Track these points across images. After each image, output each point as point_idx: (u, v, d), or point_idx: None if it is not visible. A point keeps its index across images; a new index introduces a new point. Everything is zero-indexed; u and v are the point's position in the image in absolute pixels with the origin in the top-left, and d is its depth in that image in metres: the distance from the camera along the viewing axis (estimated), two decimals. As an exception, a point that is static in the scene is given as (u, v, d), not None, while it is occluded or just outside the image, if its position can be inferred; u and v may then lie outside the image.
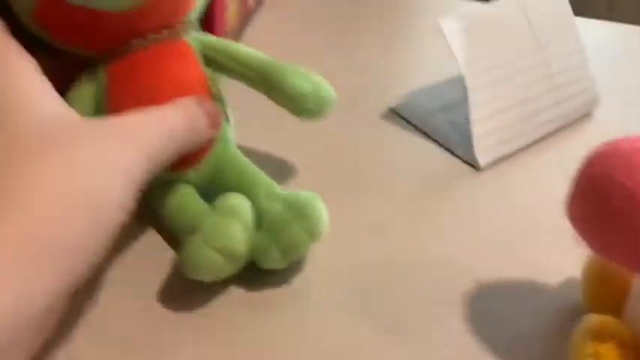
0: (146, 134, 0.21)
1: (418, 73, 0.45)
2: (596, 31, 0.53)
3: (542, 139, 0.39)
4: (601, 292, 0.25)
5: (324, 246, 0.28)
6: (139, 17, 0.25)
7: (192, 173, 0.28)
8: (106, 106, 0.26)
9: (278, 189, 0.28)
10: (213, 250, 0.23)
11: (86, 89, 0.25)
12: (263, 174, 0.28)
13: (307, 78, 0.29)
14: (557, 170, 0.29)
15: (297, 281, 0.27)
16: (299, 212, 0.25)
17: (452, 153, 0.37)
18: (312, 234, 0.26)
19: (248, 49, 0.30)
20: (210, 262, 0.23)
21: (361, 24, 0.52)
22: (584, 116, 0.42)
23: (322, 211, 0.26)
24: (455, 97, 0.40)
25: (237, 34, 0.46)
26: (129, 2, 0.23)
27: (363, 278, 0.28)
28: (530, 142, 0.38)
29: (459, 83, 0.36)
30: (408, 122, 0.40)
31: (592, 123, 0.41)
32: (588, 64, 0.41)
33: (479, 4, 0.40)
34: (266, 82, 0.29)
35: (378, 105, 0.41)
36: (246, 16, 0.48)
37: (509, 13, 0.38)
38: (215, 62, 0.29)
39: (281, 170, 0.34)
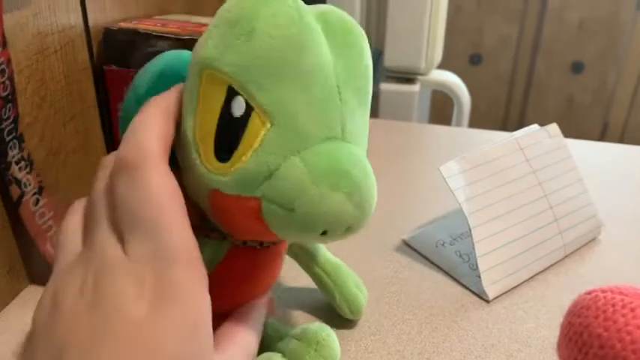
0: (250, 346, 0.26)
1: (428, 205, 0.49)
2: (590, 152, 0.57)
3: (550, 267, 0.41)
4: None
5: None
6: None
7: None
8: (209, 277, 0.27)
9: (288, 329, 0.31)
10: None
11: (202, 253, 0.26)
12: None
13: (360, 287, 0.36)
14: (566, 299, 0.31)
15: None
16: (314, 341, 0.29)
17: (461, 284, 0.40)
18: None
19: (325, 250, 0.35)
20: None
21: (376, 158, 0.56)
22: (589, 241, 0.44)
23: (334, 337, 0.30)
24: (463, 228, 0.44)
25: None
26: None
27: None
28: (539, 271, 0.41)
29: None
30: (419, 254, 0.43)
31: (597, 248, 0.44)
32: (589, 193, 0.44)
33: (482, 146, 0.44)
34: (332, 285, 0.35)
35: (392, 237, 0.44)
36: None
37: (507, 153, 0.42)
38: (296, 255, 0.35)
39: (293, 306, 0.37)
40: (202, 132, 0.23)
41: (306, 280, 0.36)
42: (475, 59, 1.38)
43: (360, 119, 0.24)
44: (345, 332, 0.35)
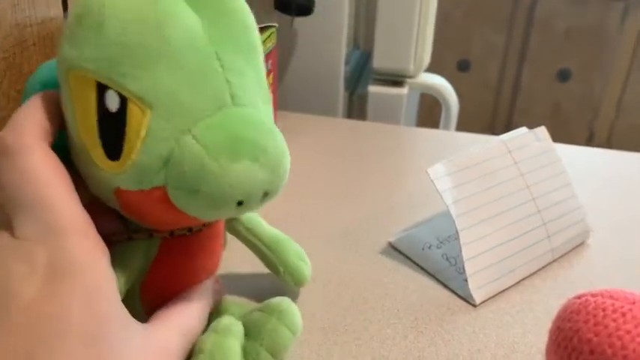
0: (187, 326, 0.26)
1: (415, 208, 0.48)
2: (577, 156, 0.56)
3: (538, 271, 0.41)
4: None
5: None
6: None
7: None
8: (147, 274, 0.27)
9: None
10: None
11: (134, 256, 0.26)
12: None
13: (303, 258, 0.36)
14: (554, 304, 0.31)
15: None
16: (276, 311, 0.29)
17: (448, 287, 0.39)
18: (293, 329, 0.29)
19: (265, 224, 0.36)
20: None
21: (364, 160, 0.56)
22: (578, 246, 0.44)
23: (295, 307, 0.30)
24: (450, 231, 0.43)
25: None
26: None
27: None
28: (526, 275, 0.40)
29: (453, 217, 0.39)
30: (406, 256, 0.42)
31: (586, 252, 0.43)
32: (577, 197, 0.44)
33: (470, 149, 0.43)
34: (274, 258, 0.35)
35: (378, 239, 0.44)
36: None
37: (495, 156, 0.42)
38: (236, 231, 0.35)
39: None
40: (87, 135, 0.22)
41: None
42: (463, 66, 1.39)
43: (251, 80, 0.24)
44: (329, 336, 0.34)
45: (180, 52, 0.22)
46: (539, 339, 0.35)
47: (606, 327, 0.22)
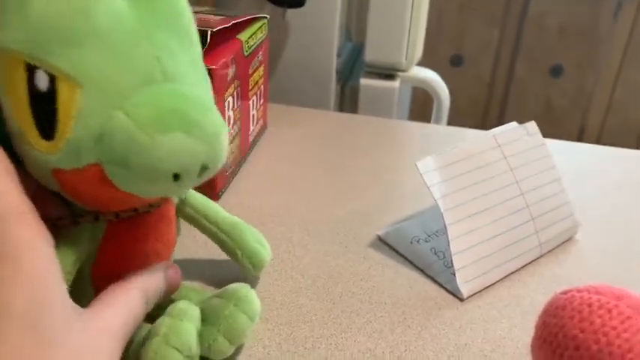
0: (128, 305, 0.25)
1: (404, 201, 0.48)
2: (566, 152, 0.56)
3: (525, 266, 0.41)
4: None
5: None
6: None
7: None
8: (96, 257, 0.28)
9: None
10: (174, 349, 0.26)
11: (80, 240, 0.27)
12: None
13: (262, 243, 0.36)
14: (541, 299, 0.30)
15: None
16: (234, 297, 0.29)
17: (435, 281, 0.39)
18: (250, 315, 0.29)
19: (221, 210, 0.35)
20: None
21: (355, 153, 0.55)
22: (566, 241, 0.43)
23: (254, 294, 0.30)
24: (438, 225, 0.43)
25: (238, 166, 0.50)
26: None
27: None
28: (513, 270, 0.40)
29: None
30: (394, 250, 0.42)
31: (574, 247, 0.43)
32: (566, 192, 0.44)
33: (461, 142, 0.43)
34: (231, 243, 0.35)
35: (367, 233, 0.43)
36: (247, 150, 0.52)
37: (484, 150, 0.41)
38: (189, 218, 0.34)
39: (269, 298, 0.36)
40: (21, 117, 0.23)
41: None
42: (456, 61, 1.39)
43: (184, 60, 0.24)
44: (316, 329, 0.34)
45: (107, 32, 0.22)
46: (525, 334, 0.35)
47: (592, 323, 0.21)
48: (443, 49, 1.37)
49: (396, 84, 0.72)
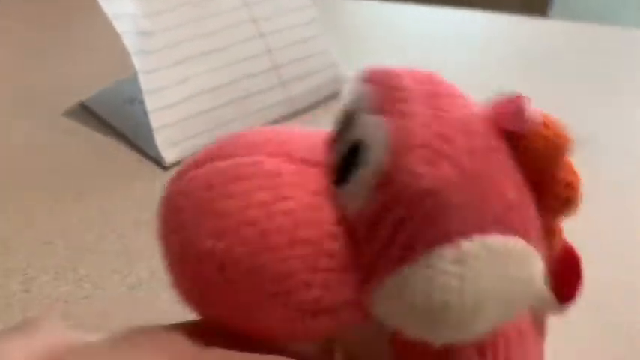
0: None
1: (113, 71, 0.37)
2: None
3: (272, 124, 0.33)
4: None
5: None
6: None
7: None
8: None
9: None
10: None
11: None
12: None
13: None
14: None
15: None
16: None
17: (140, 149, 0.30)
18: None
19: None
20: None
21: (59, 25, 0.43)
22: (329, 97, 0.36)
23: None
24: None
25: None
26: None
27: None
28: (254, 125, 0.32)
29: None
30: (99, 117, 0.32)
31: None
32: (325, 37, 0.36)
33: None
34: None
35: (66, 101, 0.33)
36: None
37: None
38: None
39: None
40: None
41: None
42: None
43: None
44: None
45: None
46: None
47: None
48: None
49: None
